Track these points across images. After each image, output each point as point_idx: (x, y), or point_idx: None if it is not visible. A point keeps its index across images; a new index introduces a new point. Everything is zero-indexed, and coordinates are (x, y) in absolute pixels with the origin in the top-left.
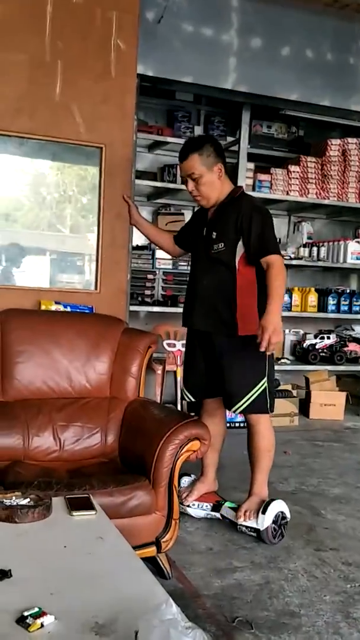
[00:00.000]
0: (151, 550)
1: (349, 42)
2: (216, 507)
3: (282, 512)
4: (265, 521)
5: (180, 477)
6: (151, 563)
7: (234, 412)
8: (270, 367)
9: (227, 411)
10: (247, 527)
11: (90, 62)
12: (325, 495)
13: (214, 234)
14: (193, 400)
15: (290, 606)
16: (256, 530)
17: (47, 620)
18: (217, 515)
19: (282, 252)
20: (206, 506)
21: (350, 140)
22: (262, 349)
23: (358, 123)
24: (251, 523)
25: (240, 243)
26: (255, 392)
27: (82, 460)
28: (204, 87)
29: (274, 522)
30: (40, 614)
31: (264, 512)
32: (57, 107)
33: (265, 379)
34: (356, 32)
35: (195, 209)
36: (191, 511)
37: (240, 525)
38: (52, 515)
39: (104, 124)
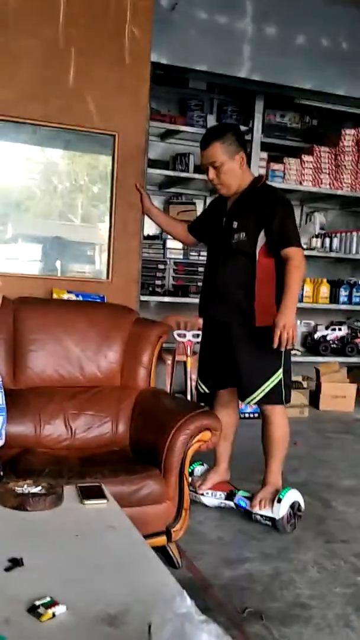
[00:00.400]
0: (161, 540)
1: None
2: (230, 496)
3: (297, 502)
4: (281, 510)
5: (192, 465)
6: (161, 552)
7: (249, 403)
8: (286, 359)
9: (240, 402)
10: (262, 515)
11: (104, 49)
12: (336, 486)
13: (235, 223)
14: (207, 391)
15: (301, 598)
16: (271, 519)
17: (59, 610)
18: (231, 504)
19: None
20: (220, 495)
21: None
22: (275, 346)
23: None
24: (266, 512)
25: (261, 233)
26: (270, 383)
27: (94, 448)
28: (217, 75)
29: (290, 511)
30: (52, 603)
31: (279, 501)
32: (70, 94)
33: (281, 370)
34: None
35: (207, 199)
36: (205, 500)
37: (255, 513)
38: (64, 503)
39: (117, 111)
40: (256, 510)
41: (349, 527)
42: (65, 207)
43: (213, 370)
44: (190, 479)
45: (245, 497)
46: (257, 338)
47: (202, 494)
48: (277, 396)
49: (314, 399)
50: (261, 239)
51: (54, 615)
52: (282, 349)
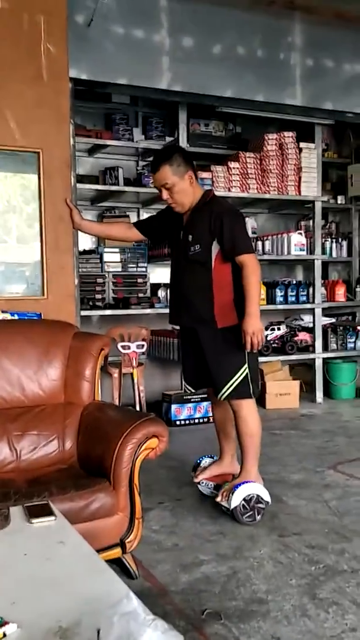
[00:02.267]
0: (116, 552)
1: (278, 37)
2: (217, 487)
3: (256, 495)
4: (233, 501)
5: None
6: (117, 564)
7: (221, 398)
8: (250, 356)
9: None
10: (223, 506)
11: (21, 66)
12: (286, 481)
13: (190, 236)
14: (194, 390)
15: (258, 593)
16: (229, 510)
17: (10, 629)
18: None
19: None
20: (210, 485)
21: (286, 134)
22: (247, 350)
23: (292, 117)
24: (225, 502)
25: (214, 243)
26: (236, 379)
27: (41, 468)
28: (139, 88)
29: (245, 503)
30: (2, 623)
31: (232, 492)
32: None
33: (246, 366)
34: (284, 27)
35: (141, 210)
36: (200, 488)
37: (221, 504)
38: (11, 524)
39: (39, 128)
40: (218, 500)
41: (301, 519)
42: None
43: (194, 371)
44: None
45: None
46: (221, 339)
47: (199, 483)
48: (244, 391)
49: (260, 398)
50: (215, 248)
51: (4, 635)
52: (255, 351)
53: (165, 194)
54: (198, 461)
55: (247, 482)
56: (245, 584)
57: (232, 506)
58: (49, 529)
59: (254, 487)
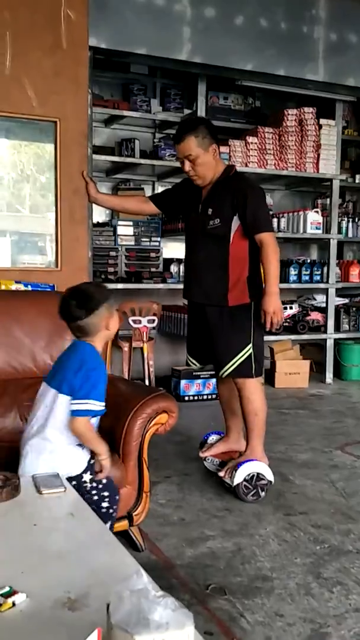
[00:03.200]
0: (123, 524)
1: (301, 10)
2: (222, 464)
3: (258, 474)
4: (236, 478)
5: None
6: (124, 537)
7: (222, 376)
8: (256, 335)
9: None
10: (226, 483)
11: (40, 33)
12: (293, 461)
13: (210, 210)
14: (199, 365)
15: (262, 570)
16: (232, 486)
17: (19, 598)
18: (222, 473)
19: None
20: (216, 462)
21: (306, 109)
22: (268, 329)
23: (313, 92)
24: (227, 479)
25: (235, 218)
26: (240, 357)
27: None
28: (158, 58)
29: (247, 480)
30: (12, 592)
31: (236, 470)
32: (7, 81)
33: (251, 345)
34: (308, 0)
35: (156, 183)
36: (206, 464)
37: (224, 480)
38: (21, 494)
39: (57, 97)
40: (222, 476)
41: (307, 499)
42: (13, 198)
43: (199, 347)
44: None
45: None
46: (229, 317)
47: (205, 459)
48: (247, 369)
49: (269, 377)
50: (235, 224)
51: (14, 604)
52: (274, 330)
53: (187, 166)
54: (205, 437)
55: (250, 460)
56: (250, 560)
57: (235, 483)
58: (58, 500)
59: (256, 466)
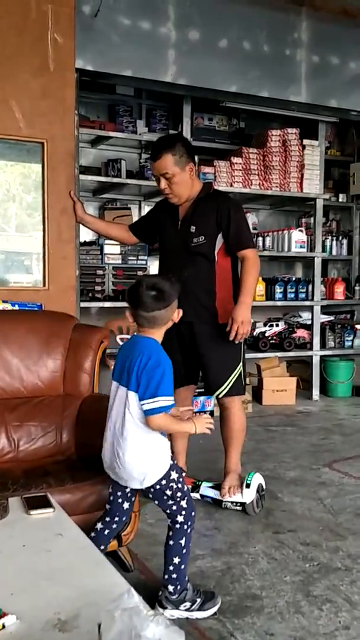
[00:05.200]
0: (113, 545)
1: (284, 33)
2: (195, 488)
3: (261, 484)
4: (250, 494)
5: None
6: (113, 557)
7: (219, 396)
8: (243, 352)
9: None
10: (232, 502)
11: (28, 56)
12: (281, 478)
13: (193, 228)
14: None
15: (252, 589)
16: (242, 504)
17: (9, 620)
18: (196, 495)
19: None
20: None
21: (289, 130)
22: (231, 339)
23: (297, 113)
24: (236, 498)
25: (219, 236)
26: (234, 377)
27: (39, 459)
28: (143, 80)
29: (259, 493)
30: (1, 615)
31: (247, 486)
32: None
33: (241, 363)
34: (291, 23)
35: (142, 203)
36: None
37: (226, 501)
38: (9, 515)
39: (44, 119)
40: (227, 498)
41: (296, 516)
42: None
43: (176, 370)
44: None
45: (210, 487)
46: (220, 335)
47: None
48: (238, 387)
49: (257, 394)
50: (219, 242)
51: (3, 626)
52: (237, 342)
53: (163, 184)
54: None
55: (253, 473)
56: (240, 579)
57: (250, 500)
58: (47, 520)
59: (258, 477)
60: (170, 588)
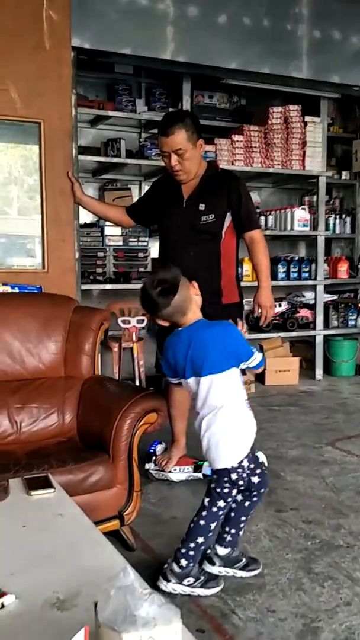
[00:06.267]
0: (115, 524)
1: (285, 8)
2: (197, 468)
3: (263, 462)
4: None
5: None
6: (115, 537)
7: None
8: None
9: None
10: None
11: (23, 34)
12: (284, 457)
13: (202, 206)
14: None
15: None
16: None
17: (8, 600)
18: (199, 475)
19: None
20: (187, 469)
21: (291, 107)
22: (262, 324)
23: (298, 90)
24: None
25: (227, 215)
26: None
27: (41, 440)
28: (142, 58)
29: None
30: (0, 594)
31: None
32: None
33: None
34: None
35: (143, 183)
36: (173, 476)
37: None
38: (10, 496)
39: (40, 98)
40: None
41: (298, 495)
42: (0, 201)
43: None
44: (153, 458)
45: None
46: (225, 315)
47: (170, 471)
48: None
49: (260, 374)
50: (227, 220)
51: (2, 605)
52: (264, 326)
53: (174, 160)
54: (151, 450)
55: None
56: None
57: None
58: (48, 501)
59: (261, 455)
60: (183, 563)
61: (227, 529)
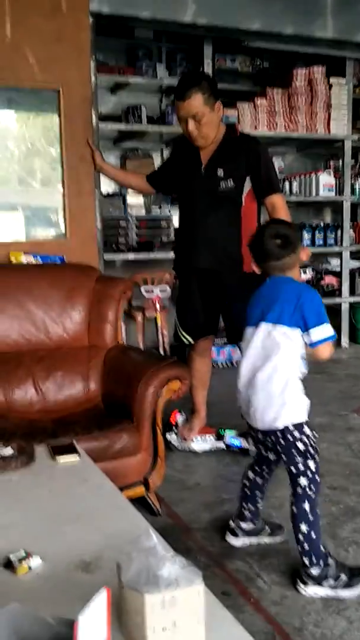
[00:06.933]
0: (140, 490)
1: None
2: (219, 438)
3: None
4: None
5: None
6: (141, 503)
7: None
8: None
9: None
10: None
11: None
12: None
13: (220, 171)
14: (192, 342)
15: None
16: None
17: (34, 562)
18: (221, 445)
19: None
20: (210, 438)
21: (315, 68)
22: None
23: (323, 50)
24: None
25: (247, 180)
26: None
27: (66, 409)
28: (162, 22)
29: None
30: (27, 556)
31: None
32: (8, 49)
33: None
34: None
35: (164, 151)
36: (195, 446)
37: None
38: (36, 462)
39: (58, 64)
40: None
41: (324, 461)
42: (24, 172)
43: (197, 320)
44: (174, 429)
45: (235, 436)
46: (247, 283)
47: (192, 441)
48: None
49: None
50: (247, 185)
51: (29, 567)
52: None
53: (192, 125)
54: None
55: None
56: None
57: None
58: (73, 467)
59: None
60: (306, 561)
61: (246, 504)
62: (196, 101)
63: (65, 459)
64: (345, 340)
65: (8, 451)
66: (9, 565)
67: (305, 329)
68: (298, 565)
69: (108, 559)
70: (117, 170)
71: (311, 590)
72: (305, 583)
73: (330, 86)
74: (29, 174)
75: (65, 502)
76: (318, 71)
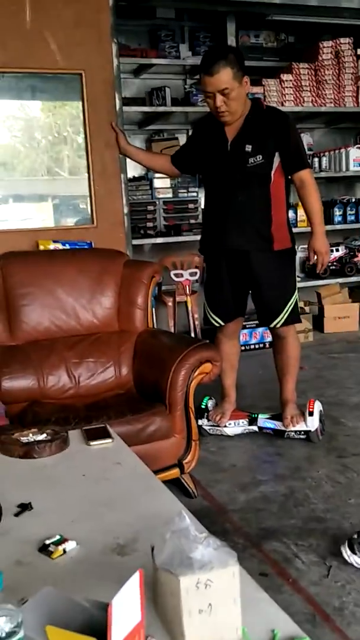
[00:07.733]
0: (175, 472)
1: None
2: (252, 421)
3: (321, 410)
4: (314, 421)
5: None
6: (176, 485)
7: (273, 326)
8: (296, 279)
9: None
10: (296, 431)
11: None
12: (344, 404)
13: (249, 147)
14: (222, 324)
15: (316, 512)
16: (306, 432)
17: (69, 546)
18: (254, 428)
19: None
20: (242, 422)
21: (342, 40)
22: (319, 272)
23: (349, 21)
24: (300, 426)
25: (276, 155)
26: (291, 304)
27: (99, 394)
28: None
29: (320, 420)
30: (62, 540)
31: (311, 414)
32: (29, 36)
33: (296, 290)
34: None
35: (190, 132)
36: (228, 430)
37: (289, 431)
38: (70, 447)
39: (80, 48)
40: (290, 427)
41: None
42: (52, 162)
43: (226, 302)
44: (205, 414)
45: (268, 418)
46: (277, 263)
47: (225, 425)
48: (295, 316)
49: (318, 322)
50: (276, 160)
51: (64, 551)
52: (321, 272)
53: (219, 101)
54: (203, 405)
55: (311, 400)
56: (303, 503)
57: (315, 427)
58: (106, 450)
59: (318, 404)
60: None
61: None
62: (225, 76)
63: (98, 443)
64: None
65: (43, 437)
66: (44, 549)
67: None
68: (337, 546)
69: (143, 541)
70: (142, 152)
71: (354, 559)
72: (354, 552)
73: (358, 58)
74: (57, 163)
75: (99, 485)
76: (345, 42)
